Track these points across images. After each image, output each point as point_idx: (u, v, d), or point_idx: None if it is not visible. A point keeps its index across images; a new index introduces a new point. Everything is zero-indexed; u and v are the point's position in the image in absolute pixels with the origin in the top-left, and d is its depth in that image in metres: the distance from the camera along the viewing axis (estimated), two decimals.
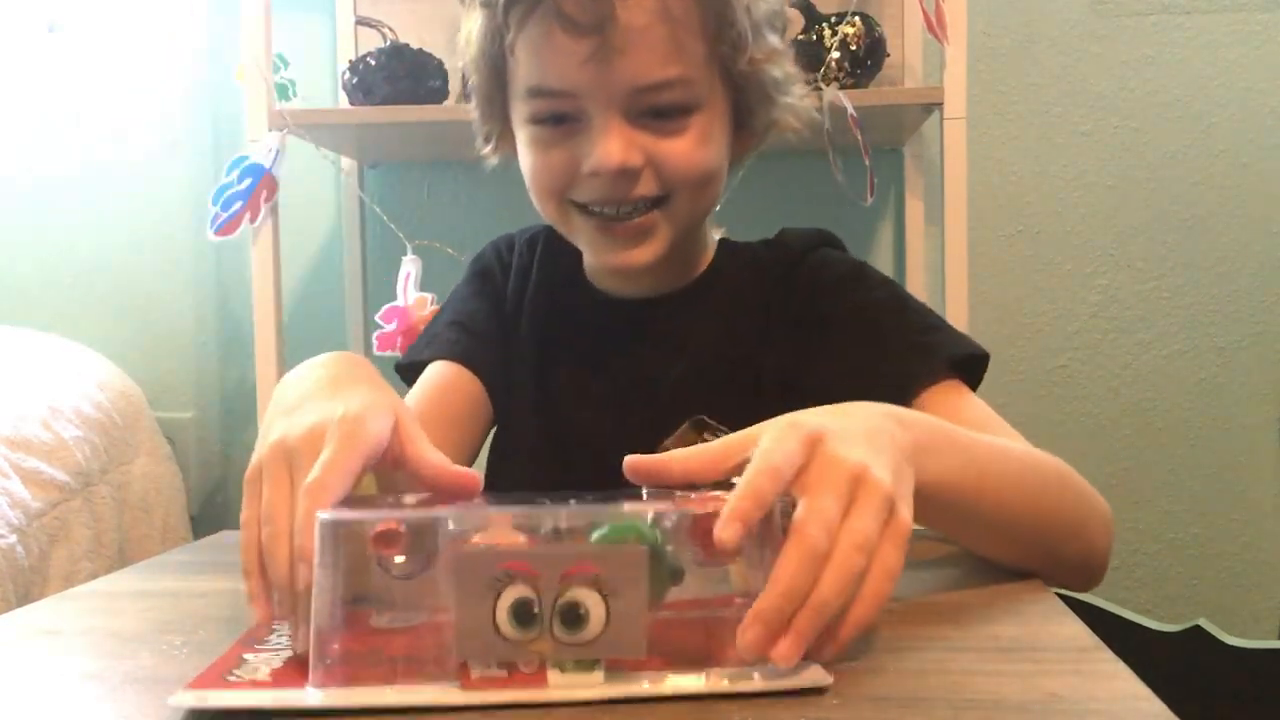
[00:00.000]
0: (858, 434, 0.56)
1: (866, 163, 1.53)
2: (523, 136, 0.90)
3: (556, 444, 0.97)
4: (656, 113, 0.85)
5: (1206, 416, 1.80)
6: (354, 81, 1.60)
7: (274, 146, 1.55)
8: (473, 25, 0.90)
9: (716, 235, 1.03)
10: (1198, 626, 1.62)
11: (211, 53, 1.92)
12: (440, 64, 1.62)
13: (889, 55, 1.61)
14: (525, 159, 0.91)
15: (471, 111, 0.96)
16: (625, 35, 0.81)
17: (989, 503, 0.66)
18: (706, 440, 0.87)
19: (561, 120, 0.86)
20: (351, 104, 1.62)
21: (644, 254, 0.88)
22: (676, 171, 0.86)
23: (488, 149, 0.98)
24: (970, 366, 0.87)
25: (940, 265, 1.54)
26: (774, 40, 0.91)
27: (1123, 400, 1.81)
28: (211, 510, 1.91)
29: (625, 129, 0.84)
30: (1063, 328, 1.81)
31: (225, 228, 1.54)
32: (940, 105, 1.51)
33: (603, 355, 0.98)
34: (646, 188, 0.86)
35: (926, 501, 0.60)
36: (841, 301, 0.92)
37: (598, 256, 0.91)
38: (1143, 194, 1.80)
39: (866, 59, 1.56)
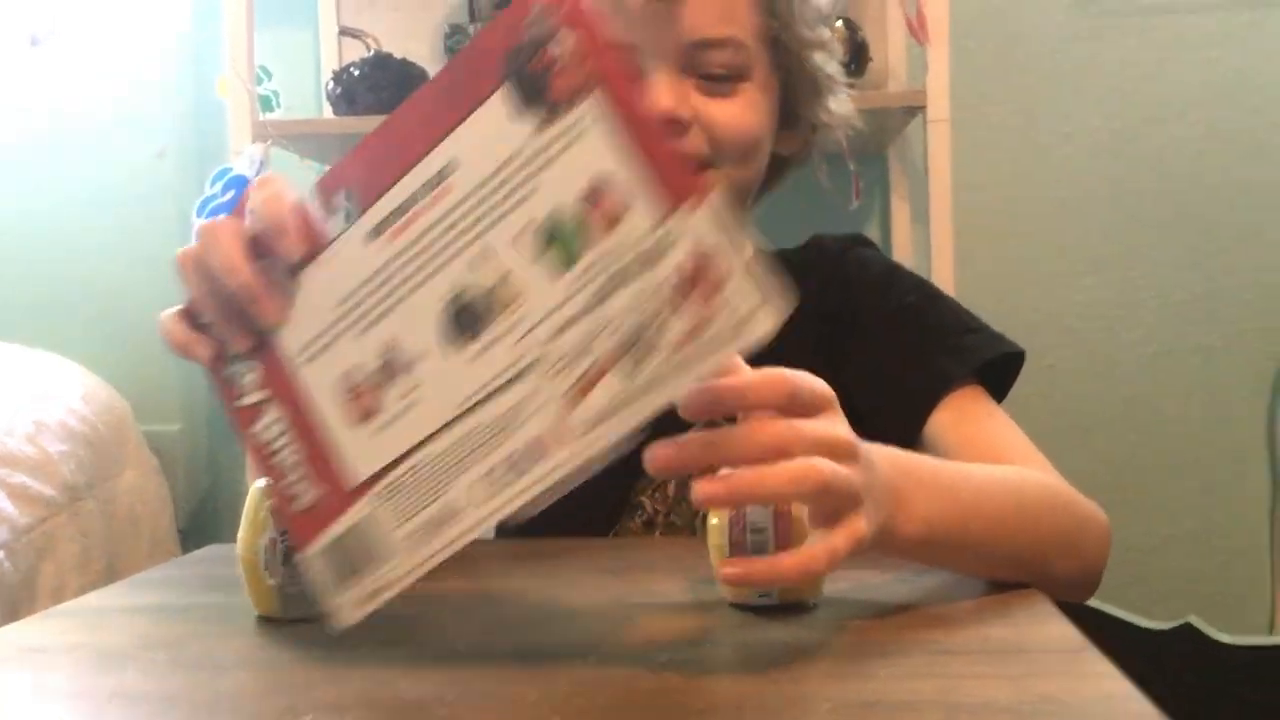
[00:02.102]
0: None
1: (851, 166, 1.53)
2: None
3: None
4: (709, 76, 0.88)
5: (1194, 414, 1.81)
6: (338, 92, 1.59)
7: (258, 158, 1.54)
8: None
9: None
10: (1188, 624, 1.62)
11: (195, 64, 1.91)
12: (424, 73, 1.62)
13: (871, 59, 1.62)
14: None
15: None
16: None
17: (975, 541, 0.65)
18: None
19: None
20: (335, 114, 1.61)
21: None
22: (724, 133, 0.89)
23: None
24: (1002, 367, 0.88)
25: (927, 268, 1.54)
26: (825, 34, 0.95)
27: (1110, 399, 1.81)
28: (200, 523, 1.91)
29: (678, 81, 0.87)
30: (1050, 328, 1.82)
31: None
32: (923, 108, 1.52)
33: None
34: (694, 145, 0.88)
35: (911, 550, 0.62)
36: (873, 304, 0.94)
37: None
38: (1126, 194, 1.81)
39: (849, 63, 1.57)
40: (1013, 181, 1.82)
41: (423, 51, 1.70)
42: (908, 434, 0.85)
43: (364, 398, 0.56)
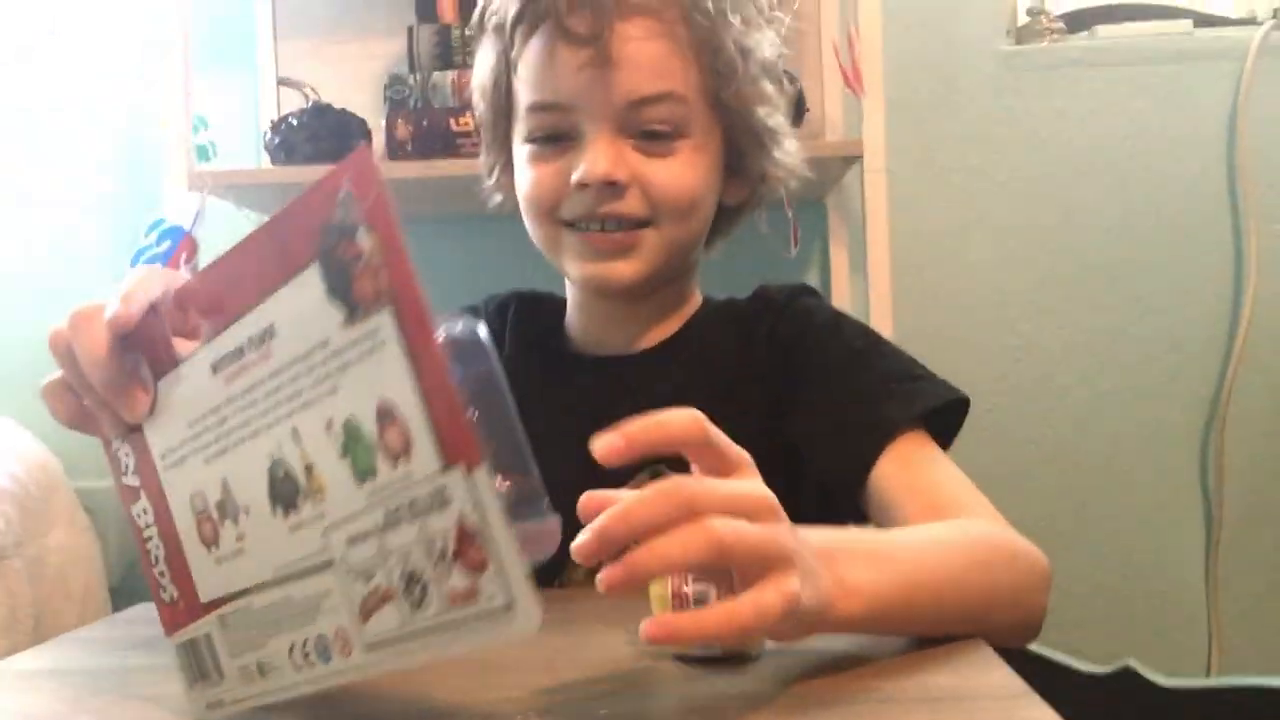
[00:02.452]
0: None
1: (789, 214, 1.54)
2: (520, 157, 0.94)
3: None
4: (647, 134, 0.89)
5: (1129, 458, 1.83)
6: (276, 142, 1.59)
7: (194, 208, 1.52)
8: (484, 55, 0.96)
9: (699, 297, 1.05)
10: (1128, 667, 1.64)
11: (131, 114, 1.89)
12: (363, 123, 1.61)
13: (808, 110, 1.64)
14: (520, 178, 0.94)
15: (481, 155, 1.03)
16: (621, 47, 0.86)
17: (918, 610, 0.63)
18: None
19: (557, 139, 0.90)
20: (273, 164, 1.60)
21: (628, 269, 0.91)
22: (662, 193, 0.89)
23: (490, 183, 1.03)
24: (947, 414, 0.88)
25: (866, 313, 1.55)
26: (769, 88, 0.95)
27: (1047, 443, 1.83)
28: (132, 582, 1.86)
29: (615, 142, 0.88)
30: (987, 373, 1.84)
31: None
32: (860, 158, 1.54)
33: (580, 411, 0.98)
34: (632, 206, 0.89)
35: (854, 626, 0.60)
36: (818, 351, 0.94)
37: (582, 270, 0.93)
38: (1058, 241, 1.84)
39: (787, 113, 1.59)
40: (948, 229, 1.85)
41: (362, 102, 1.69)
42: (853, 481, 0.85)
43: (207, 524, 0.55)
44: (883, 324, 1.53)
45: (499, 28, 0.93)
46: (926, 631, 0.66)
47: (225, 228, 1.72)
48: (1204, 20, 1.86)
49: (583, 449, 0.96)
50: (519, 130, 0.94)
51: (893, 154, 1.57)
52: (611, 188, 0.88)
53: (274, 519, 0.51)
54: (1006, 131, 1.85)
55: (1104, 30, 1.84)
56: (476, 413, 0.49)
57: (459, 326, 0.47)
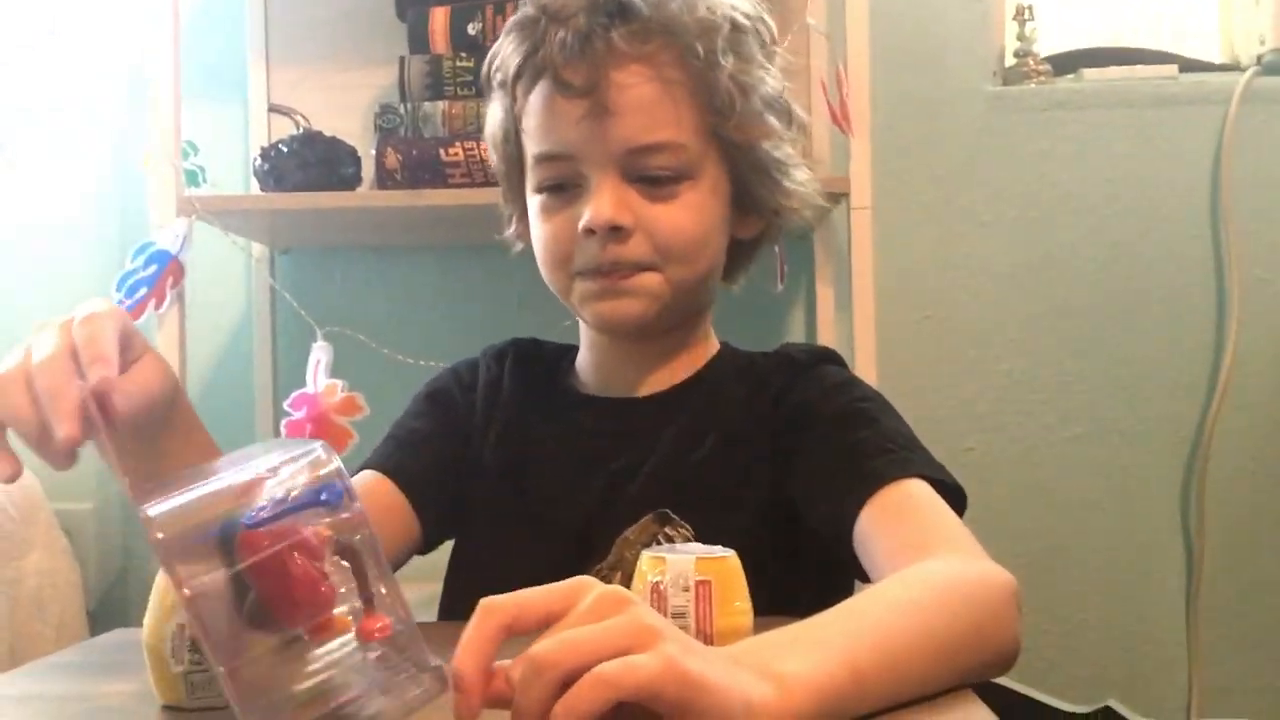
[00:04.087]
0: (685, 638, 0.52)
1: (776, 250, 1.55)
2: (532, 208, 0.96)
3: (534, 543, 0.96)
4: (650, 179, 0.90)
5: (1110, 498, 1.83)
6: (265, 168, 1.59)
7: (181, 232, 1.52)
8: (493, 110, 0.99)
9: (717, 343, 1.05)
10: (1107, 707, 1.64)
11: (121, 139, 1.89)
12: (353, 151, 1.62)
13: None
14: (534, 230, 0.97)
15: (501, 204, 1.05)
16: (617, 96, 0.88)
17: (874, 678, 0.59)
18: (667, 534, 0.89)
19: (564, 189, 0.92)
20: (263, 190, 1.61)
21: (636, 306, 0.92)
22: (665, 238, 0.91)
23: (509, 232, 1.05)
24: (943, 495, 0.84)
25: (850, 351, 1.56)
26: (774, 121, 0.96)
27: (1029, 482, 1.84)
28: (110, 606, 1.85)
29: (619, 188, 0.90)
30: (969, 411, 1.84)
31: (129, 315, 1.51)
32: (847, 195, 1.55)
33: (583, 452, 0.99)
34: (637, 251, 0.90)
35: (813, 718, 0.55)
36: (824, 408, 0.93)
37: (592, 310, 0.94)
38: (1042, 281, 1.85)
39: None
40: (932, 267, 1.86)
41: (353, 130, 1.70)
42: (843, 531, 0.84)
43: None
44: (866, 360, 1.53)
45: (503, 84, 0.96)
46: (894, 697, 0.61)
47: (214, 253, 1.73)
48: (1189, 65, 1.88)
49: (589, 487, 0.96)
50: (529, 181, 0.96)
51: (879, 192, 1.59)
52: (616, 233, 0.89)
53: None
54: (992, 172, 1.86)
55: (1090, 73, 1.86)
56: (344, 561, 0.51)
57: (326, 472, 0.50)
